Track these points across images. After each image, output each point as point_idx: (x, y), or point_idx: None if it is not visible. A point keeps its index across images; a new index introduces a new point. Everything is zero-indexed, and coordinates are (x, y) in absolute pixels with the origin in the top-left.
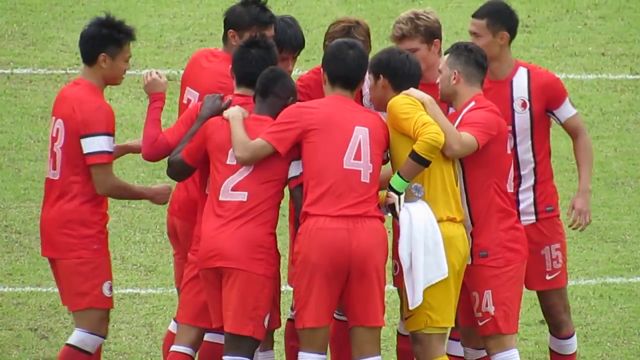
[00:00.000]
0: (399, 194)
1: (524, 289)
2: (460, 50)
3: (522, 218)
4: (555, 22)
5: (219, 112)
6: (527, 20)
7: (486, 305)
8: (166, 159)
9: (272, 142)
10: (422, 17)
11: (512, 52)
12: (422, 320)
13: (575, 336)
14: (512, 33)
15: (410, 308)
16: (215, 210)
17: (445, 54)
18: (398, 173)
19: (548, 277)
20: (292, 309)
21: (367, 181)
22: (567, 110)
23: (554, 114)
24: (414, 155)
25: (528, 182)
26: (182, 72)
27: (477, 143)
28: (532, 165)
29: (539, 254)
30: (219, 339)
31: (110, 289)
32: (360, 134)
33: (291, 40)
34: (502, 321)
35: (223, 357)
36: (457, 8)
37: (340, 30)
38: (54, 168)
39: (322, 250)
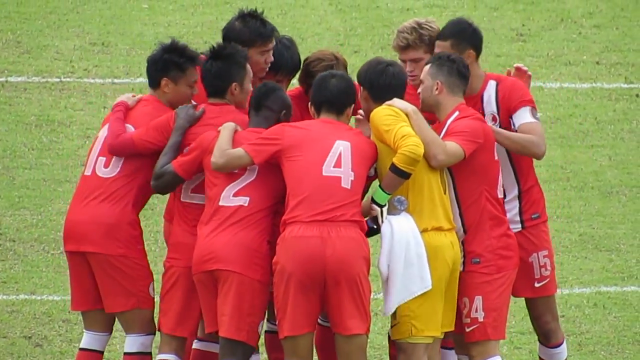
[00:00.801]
0: (381, 206)
1: (519, 298)
2: (442, 61)
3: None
4: (549, 31)
5: (194, 120)
6: (522, 29)
7: (475, 311)
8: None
9: (250, 152)
10: (426, 26)
11: (507, 61)
12: (406, 329)
13: (564, 344)
14: (478, 50)
15: (383, 315)
16: (211, 216)
17: (426, 64)
18: (379, 186)
19: (537, 285)
20: (268, 321)
21: (348, 187)
22: (523, 117)
23: (512, 120)
24: (393, 168)
25: (512, 193)
26: None
27: (463, 152)
28: (512, 175)
29: (527, 262)
30: (211, 347)
31: (154, 289)
32: (341, 146)
33: (287, 63)
34: (491, 328)
35: None
36: (452, 16)
37: (322, 69)
38: (106, 166)
39: (296, 259)
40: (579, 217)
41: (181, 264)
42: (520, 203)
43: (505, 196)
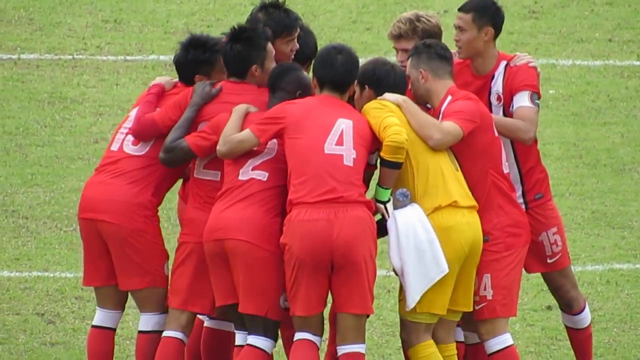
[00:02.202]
0: (384, 203)
1: (531, 275)
2: (419, 50)
3: None
4: (562, 9)
5: (209, 98)
6: (534, 7)
7: (484, 289)
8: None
9: (256, 132)
10: (423, 19)
11: (519, 38)
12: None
13: (587, 309)
14: (497, 29)
15: (407, 309)
16: (227, 190)
17: (408, 58)
18: (378, 183)
19: (549, 261)
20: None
21: (350, 164)
22: (521, 100)
23: (512, 101)
24: (382, 162)
25: (512, 174)
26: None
27: (461, 130)
28: (512, 156)
29: (538, 241)
30: (223, 325)
31: (168, 268)
32: (343, 125)
33: (303, 50)
34: (500, 305)
35: (248, 336)
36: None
37: None
38: (135, 144)
39: (303, 242)
40: (591, 195)
41: (193, 240)
42: (522, 185)
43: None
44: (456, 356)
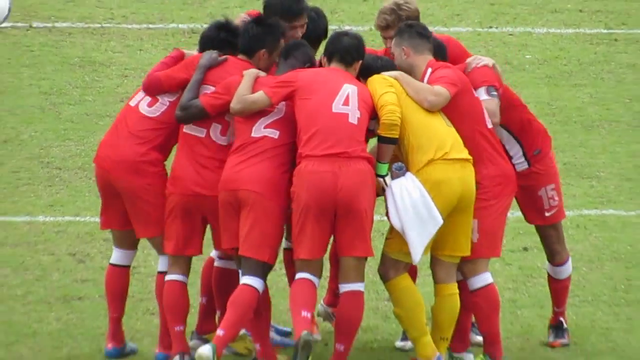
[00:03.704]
0: (383, 177)
1: (509, 219)
2: (401, 30)
3: (517, 167)
4: None
5: (215, 63)
6: None
7: (471, 233)
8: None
9: (269, 93)
10: (404, 7)
11: (500, 8)
12: (396, 247)
13: (569, 262)
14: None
15: (413, 264)
16: (240, 146)
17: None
18: (377, 160)
19: (547, 214)
20: (287, 239)
21: (355, 122)
22: (481, 95)
23: None
24: (379, 138)
25: (509, 139)
26: (204, 25)
27: (448, 92)
28: (497, 120)
29: (537, 195)
30: (231, 265)
31: None
32: (349, 89)
33: (315, 31)
34: (484, 247)
35: (242, 277)
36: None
37: None
38: (150, 106)
39: (311, 191)
40: (563, 148)
41: (177, 191)
42: (520, 144)
43: (506, 145)
44: (457, 295)
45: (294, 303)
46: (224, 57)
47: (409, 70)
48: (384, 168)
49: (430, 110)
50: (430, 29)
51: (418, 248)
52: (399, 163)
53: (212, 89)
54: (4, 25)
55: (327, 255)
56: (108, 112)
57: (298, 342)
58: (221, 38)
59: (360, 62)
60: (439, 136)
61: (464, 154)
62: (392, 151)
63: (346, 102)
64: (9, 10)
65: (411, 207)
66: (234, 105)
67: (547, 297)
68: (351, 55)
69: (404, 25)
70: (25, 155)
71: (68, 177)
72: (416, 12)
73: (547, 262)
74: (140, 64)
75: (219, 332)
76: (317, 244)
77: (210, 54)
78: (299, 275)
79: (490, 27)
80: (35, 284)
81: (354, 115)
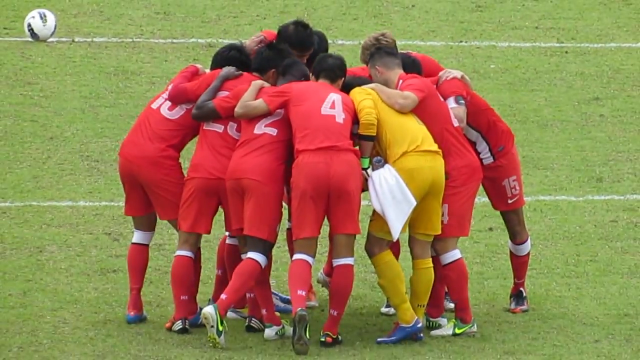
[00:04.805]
0: (365, 169)
1: (477, 203)
2: (372, 53)
3: (484, 161)
4: (501, 4)
5: (232, 76)
6: (479, 2)
7: (442, 215)
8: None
9: (267, 100)
10: (383, 40)
11: (468, 26)
12: (378, 227)
13: (527, 243)
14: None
15: (393, 240)
16: (245, 141)
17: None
18: (360, 155)
19: (509, 201)
20: (289, 220)
21: (341, 122)
22: (450, 104)
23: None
24: (360, 137)
25: (478, 137)
26: (220, 41)
27: (416, 96)
28: (464, 125)
29: (501, 185)
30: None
31: None
32: (335, 97)
33: (314, 54)
34: (453, 228)
35: (247, 254)
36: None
37: None
38: (171, 109)
39: (307, 178)
40: (522, 144)
41: (198, 175)
42: (487, 142)
43: (475, 142)
44: (432, 268)
45: (292, 282)
46: (240, 72)
47: (385, 85)
48: (365, 162)
49: (401, 111)
50: (409, 42)
51: (396, 226)
52: (378, 157)
53: (226, 93)
54: (51, 40)
55: (326, 234)
56: (138, 113)
57: (295, 318)
58: (229, 56)
59: (343, 79)
60: (411, 132)
61: (434, 147)
62: (372, 147)
63: (332, 106)
64: (55, 27)
65: (388, 192)
66: (238, 109)
67: (509, 270)
68: (335, 72)
69: (374, 49)
70: (68, 150)
71: (104, 169)
72: (393, 43)
73: (509, 241)
74: (165, 73)
75: (223, 296)
76: (314, 224)
77: (229, 69)
78: (296, 257)
79: (461, 41)
80: (77, 258)
81: (340, 116)
